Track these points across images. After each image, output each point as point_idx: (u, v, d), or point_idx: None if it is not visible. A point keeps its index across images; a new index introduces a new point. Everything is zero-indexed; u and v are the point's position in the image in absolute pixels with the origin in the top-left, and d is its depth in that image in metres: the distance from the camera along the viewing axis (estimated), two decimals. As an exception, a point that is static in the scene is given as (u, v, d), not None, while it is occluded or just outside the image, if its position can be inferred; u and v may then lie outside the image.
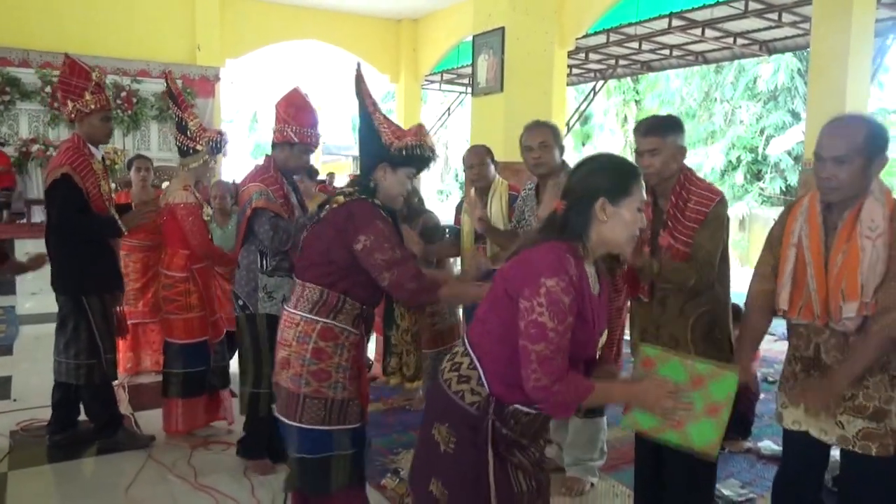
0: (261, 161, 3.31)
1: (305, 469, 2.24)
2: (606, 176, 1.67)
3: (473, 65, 5.79)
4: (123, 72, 9.62)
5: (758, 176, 18.65)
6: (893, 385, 1.94)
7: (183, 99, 3.66)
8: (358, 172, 5.38)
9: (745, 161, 18.64)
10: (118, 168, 8.73)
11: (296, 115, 3.09)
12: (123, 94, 9.53)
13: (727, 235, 2.37)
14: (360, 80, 2.37)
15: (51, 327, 6.01)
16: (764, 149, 17.90)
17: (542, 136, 3.14)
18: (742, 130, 18.74)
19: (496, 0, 5.47)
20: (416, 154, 2.24)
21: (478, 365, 1.70)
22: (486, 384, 1.69)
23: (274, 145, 3.18)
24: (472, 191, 3.72)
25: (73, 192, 3.35)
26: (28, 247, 6.26)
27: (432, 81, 14.91)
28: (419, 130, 2.30)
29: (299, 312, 2.21)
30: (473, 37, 5.72)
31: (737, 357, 2.23)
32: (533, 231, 1.90)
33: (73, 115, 3.47)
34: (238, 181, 4.35)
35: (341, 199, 2.25)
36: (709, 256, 2.28)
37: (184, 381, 3.60)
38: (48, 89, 9.08)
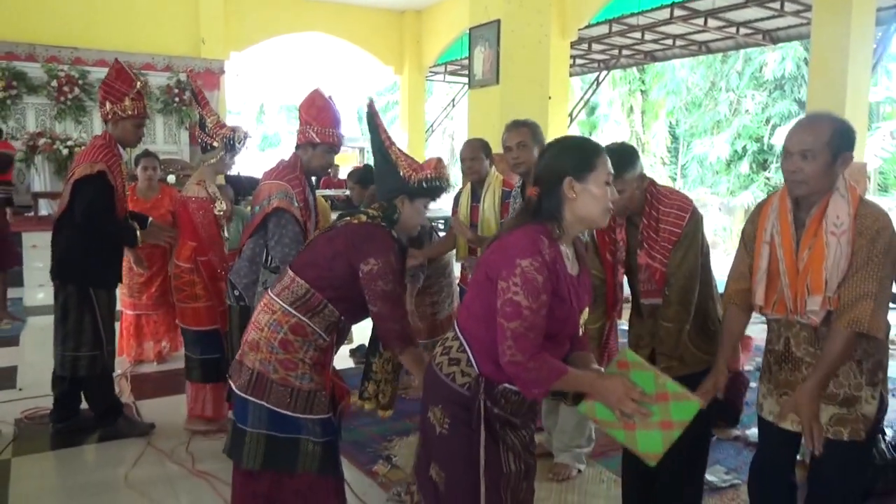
0: (283, 156, 3.27)
1: (274, 446, 2.24)
2: (569, 156, 1.76)
3: (470, 57, 5.83)
4: (129, 65, 9.68)
5: (763, 165, 18.58)
6: (861, 372, 1.99)
7: (203, 96, 3.72)
8: (363, 163, 5.49)
9: (750, 151, 18.58)
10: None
11: (317, 115, 3.12)
12: (128, 87, 9.63)
13: (704, 241, 2.40)
14: (373, 114, 2.45)
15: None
16: (770, 138, 17.81)
17: (519, 137, 3.21)
18: (748, 120, 18.67)
19: (492, -7, 5.51)
20: (436, 186, 2.33)
21: (467, 347, 1.79)
22: (475, 365, 1.77)
23: (297, 146, 3.20)
24: (458, 216, 3.78)
25: (106, 190, 3.42)
26: (35, 240, 6.37)
27: (436, 73, 14.93)
28: (438, 164, 2.38)
29: (280, 301, 2.25)
30: (470, 29, 5.76)
31: (718, 355, 2.27)
32: (511, 218, 1.97)
33: (108, 116, 3.52)
34: (241, 174, 4.42)
35: (363, 217, 2.31)
36: (687, 276, 2.32)
37: (202, 367, 3.68)
38: (54, 83, 9.19)
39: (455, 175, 9.80)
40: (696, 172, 19.94)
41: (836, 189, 1.97)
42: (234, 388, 2.29)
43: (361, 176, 4.64)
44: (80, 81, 9.29)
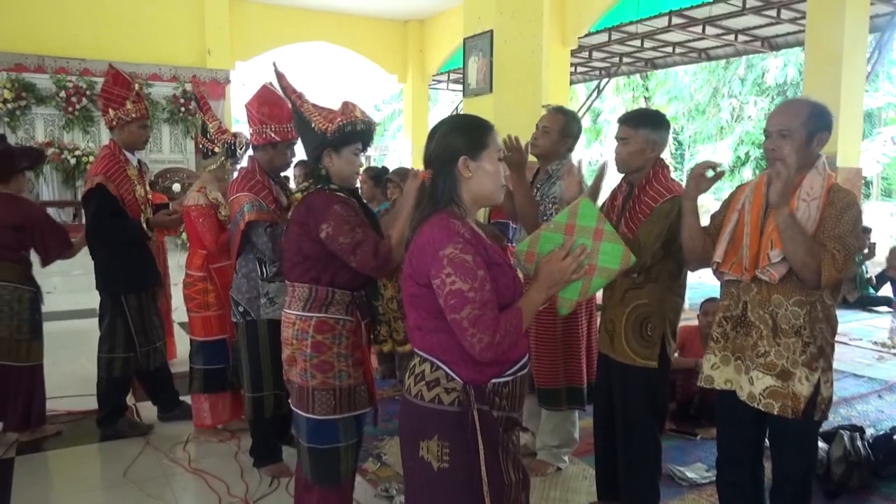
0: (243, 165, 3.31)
1: (315, 459, 2.33)
2: (461, 135, 1.71)
3: (465, 67, 5.96)
4: (135, 76, 9.81)
5: (767, 171, 18.61)
6: (803, 352, 2.09)
7: (205, 102, 3.73)
8: (371, 166, 5.43)
9: (753, 156, 18.64)
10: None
11: (271, 113, 3.06)
12: (135, 97, 9.81)
13: (673, 236, 2.44)
14: (280, 76, 2.45)
15: (64, 324, 6.30)
16: (772, 144, 17.85)
17: (546, 121, 3.25)
18: (750, 126, 18.74)
19: (484, 5, 5.64)
20: (352, 130, 2.28)
21: (439, 363, 1.68)
22: (456, 376, 1.67)
23: (255, 147, 3.17)
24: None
25: (107, 200, 3.53)
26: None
27: (439, 81, 15.09)
28: (345, 108, 2.32)
29: (294, 312, 2.31)
30: (464, 40, 5.89)
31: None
32: (407, 211, 1.96)
33: (113, 123, 3.63)
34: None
35: (299, 195, 2.37)
36: (643, 248, 2.43)
37: (204, 377, 3.67)
38: (62, 94, 9.40)
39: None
40: (700, 179, 19.97)
41: (815, 167, 2.10)
42: (292, 405, 2.40)
43: (376, 173, 4.74)
44: (88, 92, 9.51)
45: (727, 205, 2.31)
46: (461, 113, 1.90)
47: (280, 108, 3.06)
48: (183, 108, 10.22)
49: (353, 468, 2.42)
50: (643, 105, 21.55)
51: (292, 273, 2.34)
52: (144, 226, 3.68)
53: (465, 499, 1.66)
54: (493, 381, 1.69)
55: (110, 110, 3.63)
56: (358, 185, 2.86)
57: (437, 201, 1.71)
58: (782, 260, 2.04)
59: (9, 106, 9.11)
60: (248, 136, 3.58)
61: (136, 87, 3.72)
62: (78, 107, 9.53)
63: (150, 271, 3.85)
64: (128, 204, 3.62)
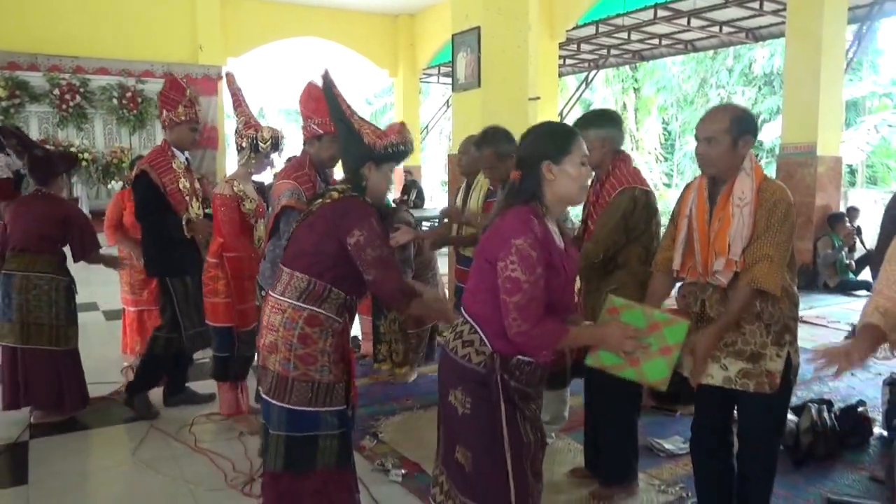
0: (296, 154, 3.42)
1: (292, 447, 2.29)
2: (546, 141, 1.94)
3: (453, 62, 6.12)
4: (128, 73, 9.99)
5: (754, 160, 18.81)
6: (768, 333, 2.28)
7: (237, 98, 3.75)
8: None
9: (741, 146, 18.81)
10: (124, 166, 9.13)
11: (316, 108, 3.14)
12: (129, 94, 9.91)
13: (633, 224, 2.70)
14: (330, 86, 2.50)
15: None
16: (759, 134, 18.06)
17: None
18: (738, 116, 18.90)
19: (472, 1, 5.80)
20: (400, 151, 2.39)
21: (478, 329, 1.91)
22: (488, 344, 1.89)
23: (304, 142, 3.30)
24: (453, 206, 4.06)
25: (150, 187, 3.84)
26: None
27: (430, 75, 15.21)
28: (401, 129, 2.42)
29: (287, 299, 2.27)
30: (452, 36, 6.04)
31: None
32: (500, 200, 2.11)
33: (165, 123, 3.97)
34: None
35: (335, 194, 2.35)
36: (595, 237, 2.68)
37: (215, 364, 3.87)
38: (56, 92, 9.48)
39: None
40: (689, 169, 20.22)
41: (742, 169, 2.28)
42: (261, 391, 2.37)
43: None
44: (81, 89, 9.61)
45: (678, 212, 2.48)
46: (551, 121, 2.07)
47: (323, 103, 3.04)
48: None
49: (334, 460, 2.31)
50: (633, 97, 21.77)
51: (297, 262, 2.31)
52: (184, 223, 3.88)
53: (485, 442, 1.89)
54: (519, 357, 1.91)
55: (164, 111, 3.96)
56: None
57: (520, 198, 1.93)
58: (726, 267, 2.24)
59: (3, 104, 9.18)
60: (274, 130, 3.75)
61: (189, 93, 4.00)
62: (71, 104, 9.61)
63: (190, 258, 3.99)
64: (170, 193, 3.88)
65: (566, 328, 1.90)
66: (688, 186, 2.50)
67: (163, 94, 4.01)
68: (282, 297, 2.29)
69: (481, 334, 1.90)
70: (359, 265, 2.23)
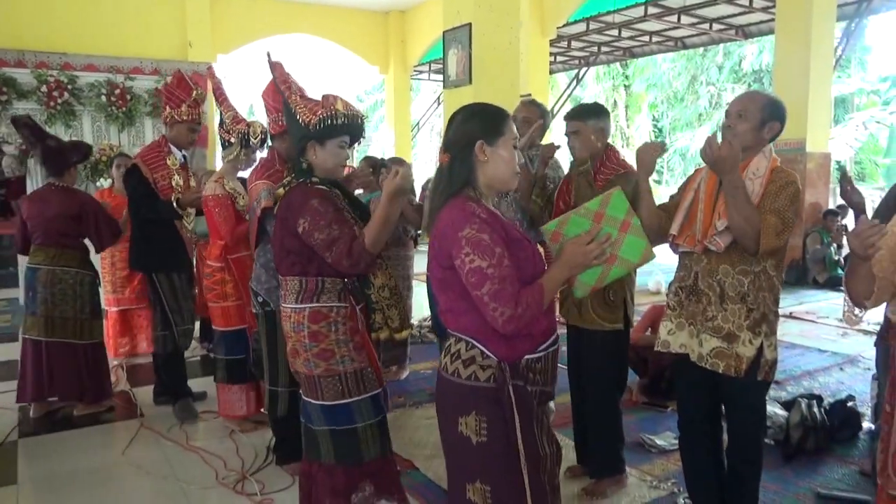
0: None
1: (336, 440, 2.33)
2: (479, 121, 1.78)
3: (444, 59, 6.11)
4: (117, 69, 9.90)
5: (744, 157, 18.91)
6: (747, 317, 2.30)
7: (221, 92, 3.68)
8: (370, 155, 5.54)
9: (731, 143, 18.90)
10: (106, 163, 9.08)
11: (282, 101, 3.05)
12: (117, 91, 9.83)
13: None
14: (274, 66, 2.48)
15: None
16: (749, 131, 18.14)
17: (526, 112, 3.47)
18: (728, 113, 19.00)
19: (462, -2, 5.81)
20: (334, 124, 2.28)
21: (474, 342, 1.75)
22: (491, 354, 1.73)
23: (272, 137, 3.22)
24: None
25: (141, 182, 3.82)
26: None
27: (421, 72, 15.18)
28: (325, 101, 2.32)
29: (288, 305, 2.32)
30: (444, 33, 6.03)
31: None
32: (431, 189, 1.95)
33: (167, 119, 3.93)
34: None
35: (282, 191, 2.36)
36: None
37: (227, 368, 3.72)
38: (44, 89, 9.39)
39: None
40: (679, 166, 20.31)
41: (762, 151, 2.32)
42: (301, 393, 2.43)
43: (374, 162, 4.82)
44: (69, 86, 9.50)
45: (685, 186, 2.52)
46: (478, 102, 1.99)
47: None
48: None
49: (380, 450, 2.40)
50: (623, 94, 21.82)
51: (281, 267, 2.35)
52: (175, 204, 3.82)
53: (504, 470, 1.73)
54: (527, 356, 1.76)
55: (167, 108, 3.91)
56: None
57: (453, 185, 1.78)
58: (726, 228, 2.24)
59: (-10, 101, 9.12)
60: (264, 126, 3.62)
61: (195, 94, 3.92)
62: (59, 101, 9.52)
63: (177, 254, 3.96)
64: (161, 188, 3.85)
65: (538, 284, 1.73)
66: (698, 169, 2.52)
67: (168, 90, 3.92)
68: (285, 305, 2.36)
69: (480, 347, 1.74)
70: (316, 250, 2.22)
